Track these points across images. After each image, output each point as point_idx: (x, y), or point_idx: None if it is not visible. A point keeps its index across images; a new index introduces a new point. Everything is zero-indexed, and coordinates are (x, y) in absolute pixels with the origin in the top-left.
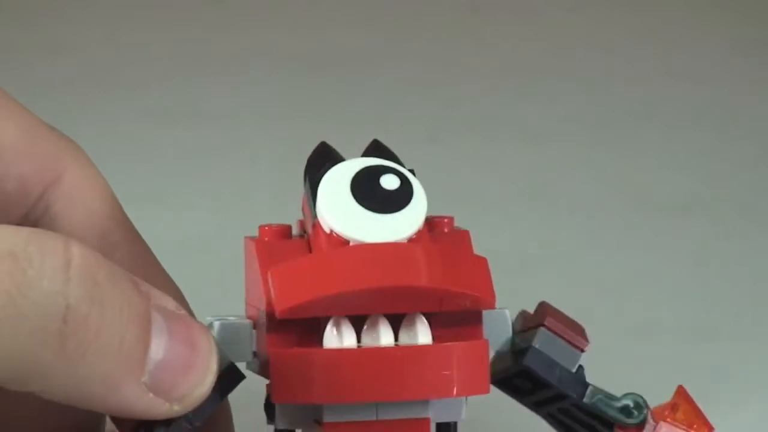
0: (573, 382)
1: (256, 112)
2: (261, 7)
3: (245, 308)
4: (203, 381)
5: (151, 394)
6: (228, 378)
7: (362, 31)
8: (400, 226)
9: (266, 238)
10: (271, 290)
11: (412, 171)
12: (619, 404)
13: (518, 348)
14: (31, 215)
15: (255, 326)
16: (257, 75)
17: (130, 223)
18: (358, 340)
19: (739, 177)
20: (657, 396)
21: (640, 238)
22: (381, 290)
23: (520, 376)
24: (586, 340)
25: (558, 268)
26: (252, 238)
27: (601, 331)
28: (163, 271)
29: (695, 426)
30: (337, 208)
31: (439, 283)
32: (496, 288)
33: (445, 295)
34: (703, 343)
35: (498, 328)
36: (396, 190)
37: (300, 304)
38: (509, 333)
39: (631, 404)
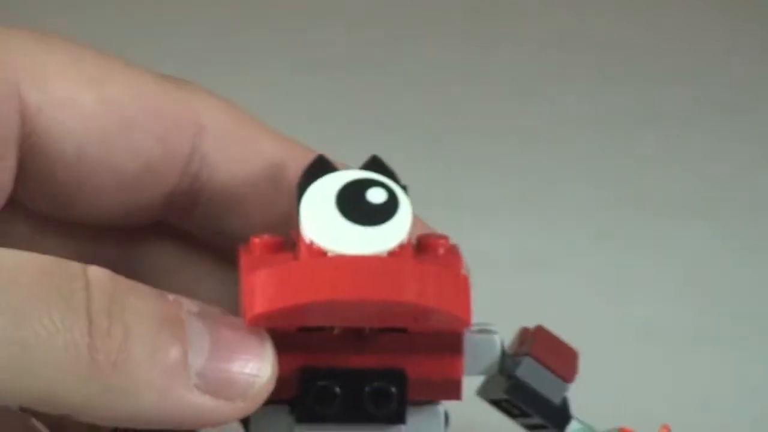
0: (555, 414)
1: (255, 113)
2: (261, 8)
3: None
4: (259, 370)
5: (207, 396)
6: None
7: (363, 32)
8: (380, 238)
9: (256, 252)
10: (243, 299)
11: (404, 187)
12: None
13: (507, 372)
14: (189, 170)
15: None
16: (257, 75)
17: None
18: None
19: (740, 178)
20: (657, 398)
21: (640, 241)
22: (347, 303)
23: (508, 401)
24: (576, 369)
25: (558, 270)
26: (244, 249)
27: (601, 333)
28: None
29: None
30: (318, 219)
31: (412, 297)
32: (494, 289)
33: (417, 310)
34: (703, 346)
35: (485, 350)
36: (382, 204)
37: (265, 312)
38: (496, 356)
39: None
